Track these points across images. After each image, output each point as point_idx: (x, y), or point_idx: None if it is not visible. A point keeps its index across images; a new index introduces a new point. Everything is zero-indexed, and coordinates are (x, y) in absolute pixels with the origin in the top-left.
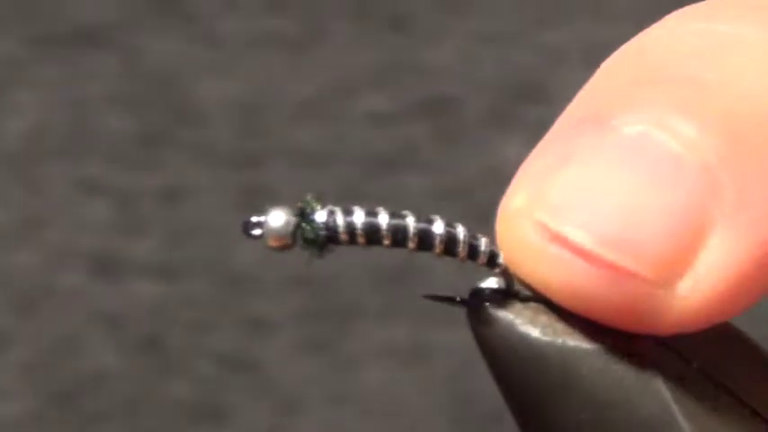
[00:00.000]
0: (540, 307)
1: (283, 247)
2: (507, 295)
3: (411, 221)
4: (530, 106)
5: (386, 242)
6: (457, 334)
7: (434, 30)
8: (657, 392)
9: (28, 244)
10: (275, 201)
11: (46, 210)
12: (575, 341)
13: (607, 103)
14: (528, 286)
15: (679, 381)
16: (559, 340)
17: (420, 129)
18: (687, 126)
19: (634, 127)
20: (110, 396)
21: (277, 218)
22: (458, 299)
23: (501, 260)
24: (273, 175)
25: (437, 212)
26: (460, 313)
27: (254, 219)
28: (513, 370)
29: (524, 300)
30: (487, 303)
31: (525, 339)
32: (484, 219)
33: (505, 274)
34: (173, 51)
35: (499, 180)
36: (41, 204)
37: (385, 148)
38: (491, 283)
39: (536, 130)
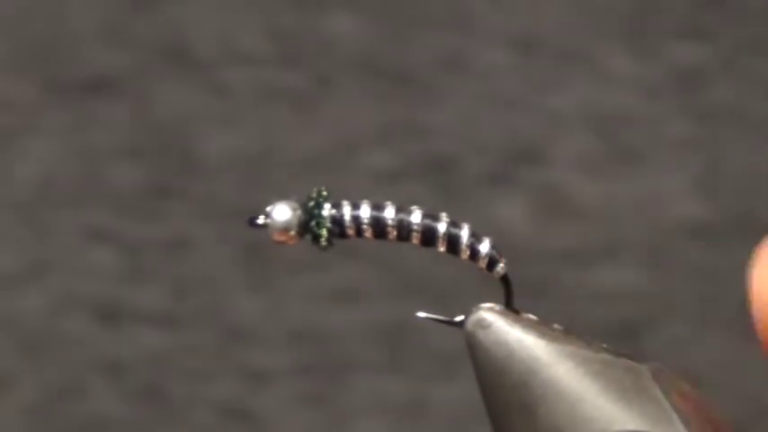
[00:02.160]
0: (537, 319)
1: (289, 241)
2: (506, 307)
3: (417, 217)
4: (529, 168)
5: (391, 236)
6: (453, 390)
7: (438, 89)
8: (655, 398)
9: (34, 289)
10: (277, 256)
11: (53, 256)
12: (573, 346)
13: None
14: None
15: (673, 392)
16: (557, 344)
17: (421, 187)
18: None
19: None
20: None
21: (282, 211)
22: (455, 319)
23: (501, 267)
24: None
25: (433, 276)
26: (457, 369)
27: (261, 215)
28: (509, 373)
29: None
30: (487, 308)
31: (522, 342)
32: (482, 279)
33: (505, 280)
34: (182, 102)
35: (496, 239)
36: (48, 250)
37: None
38: (488, 307)
39: (535, 192)
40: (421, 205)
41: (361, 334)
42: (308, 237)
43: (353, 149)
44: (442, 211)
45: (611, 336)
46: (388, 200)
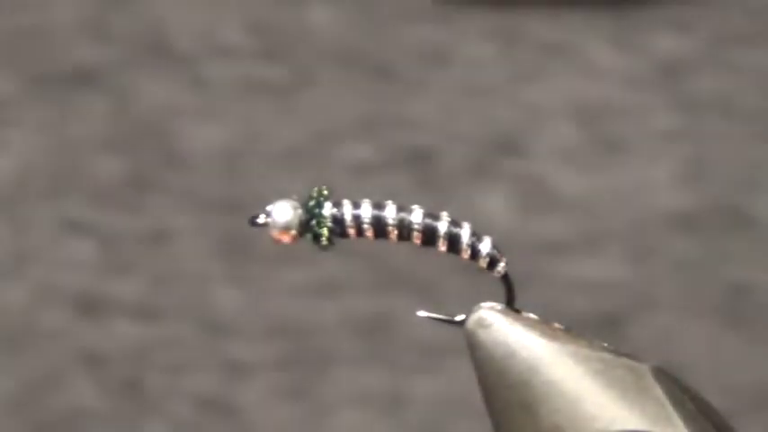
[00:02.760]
0: (537, 318)
1: (290, 240)
2: (507, 306)
3: (417, 217)
4: (509, 160)
5: (392, 236)
6: (435, 383)
7: (418, 81)
8: (656, 397)
9: (12, 281)
10: (256, 248)
11: (32, 248)
12: (574, 345)
13: None
14: None
15: (672, 393)
16: (558, 343)
17: (401, 179)
18: None
19: None
20: None
21: (283, 211)
22: (455, 318)
23: (502, 266)
24: None
25: (416, 265)
26: (439, 362)
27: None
28: (510, 372)
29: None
30: (488, 307)
31: (523, 341)
32: (462, 270)
33: (505, 279)
34: (161, 95)
35: (478, 231)
36: (27, 242)
37: (366, 196)
38: (489, 306)
39: (515, 184)
40: (402, 197)
41: (341, 326)
42: (309, 236)
43: (334, 142)
44: (424, 202)
45: (595, 327)
46: (368, 192)
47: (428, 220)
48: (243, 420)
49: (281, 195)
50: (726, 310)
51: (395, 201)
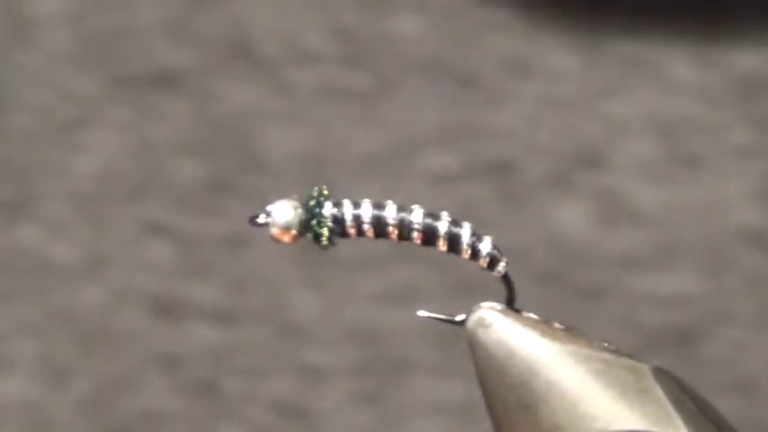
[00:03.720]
0: (538, 318)
1: (290, 240)
2: (507, 306)
3: (418, 216)
4: (589, 173)
5: (392, 236)
6: None
7: (500, 92)
8: (657, 397)
9: (92, 282)
10: (334, 253)
11: (111, 250)
12: (575, 345)
13: None
14: None
15: (673, 393)
16: (559, 343)
17: (481, 190)
18: None
19: None
20: None
21: (284, 210)
22: (456, 318)
23: (502, 266)
24: None
25: (490, 277)
26: None
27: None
28: (510, 372)
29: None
30: (488, 307)
31: (523, 341)
32: (540, 280)
33: (506, 279)
34: (243, 99)
35: (556, 244)
36: (107, 244)
37: (446, 206)
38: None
39: (594, 197)
40: (481, 208)
41: (416, 334)
42: (309, 236)
43: (414, 150)
44: (503, 214)
45: (668, 341)
46: (449, 203)
47: (428, 220)
48: (317, 426)
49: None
50: None
51: (475, 212)
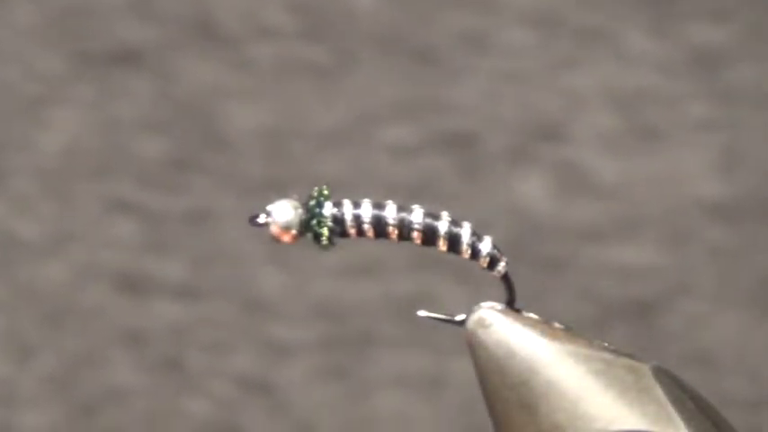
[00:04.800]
0: (538, 318)
1: (290, 240)
2: (507, 306)
3: (418, 216)
4: (549, 145)
5: (392, 236)
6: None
7: (459, 66)
8: (656, 397)
9: (56, 259)
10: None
11: (75, 226)
12: (575, 345)
13: None
14: None
15: (672, 392)
16: (559, 342)
17: (441, 162)
18: None
19: None
20: (128, 412)
21: (284, 210)
22: (456, 318)
23: (502, 266)
24: None
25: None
26: None
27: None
28: (510, 372)
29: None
30: (488, 307)
31: (523, 341)
32: (501, 252)
33: (506, 279)
34: (205, 75)
35: (516, 216)
36: (71, 221)
37: (406, 179)
38: (489, 306)
39: (554, 170)
40: (441, 181)
41: (381, 308)
42: (309, 235)
43: (375, 124)
44: (463, 186)
45: (629, 313)
46: (409, 176)
47: (428, 220)
48: (283, 400)
49: (320, 177)
50: (759, 300)
51: (435, 185)
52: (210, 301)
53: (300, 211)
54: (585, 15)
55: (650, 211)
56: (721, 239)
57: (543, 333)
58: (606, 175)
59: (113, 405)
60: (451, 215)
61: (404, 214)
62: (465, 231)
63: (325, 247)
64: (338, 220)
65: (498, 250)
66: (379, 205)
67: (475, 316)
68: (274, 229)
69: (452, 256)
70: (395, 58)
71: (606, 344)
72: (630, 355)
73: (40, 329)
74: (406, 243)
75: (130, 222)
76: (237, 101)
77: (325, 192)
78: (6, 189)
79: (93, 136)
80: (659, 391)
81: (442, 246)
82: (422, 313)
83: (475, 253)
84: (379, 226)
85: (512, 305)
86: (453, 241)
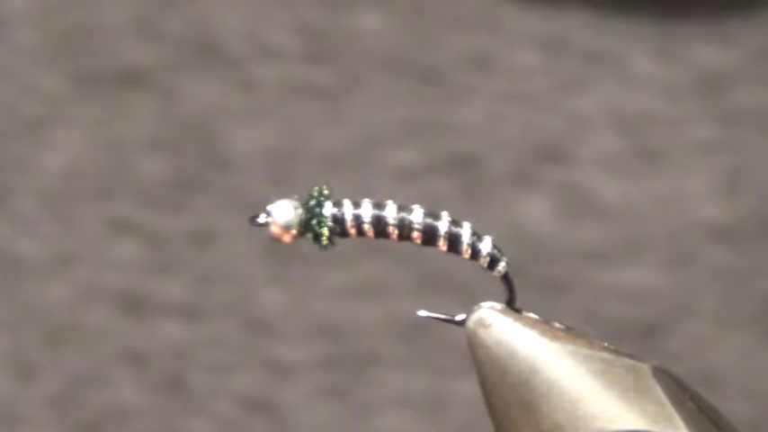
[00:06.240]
0: (538, 318)
1: (290, 239)
2: (507, 306)
3: (418, 216)
4: (553, 167)
5: (392, 235)
6: (474, 385)
7: (463, 87)
8: (657, 397)
9: (59, 279)
10: (300, 249)
11: (77, 247)
12: (575, 345)
13: None
14: None
15: (672, 392)
16: (559, 342)
17: (445, 185)
18: None
19: None
20: None
21: (284, 210)
22: (456, 318)
23: (502, 266)
24: None
25: (455, 273)
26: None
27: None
28: (511, 372)
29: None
30: (488, 307)
31: (524, 341)
32: (501, 252)
33: (506, 279)
34: (209, 96)
35: (520, 238)
36: (74, 241)
37: (410, 201)
38: (489, 306)
39: (558, 192)
40: (445, 203)
41: (383, 328)
42: (309, 235)
43: (379, 146)
44: (467, 208)
45: (632, 334)
46: (413, 198)
47: (428, 220)
48: (285, 420)
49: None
50: (762, 322)
51: (439, 207)
52: (213, 321)
53: (300, 210)
54: (590, 38)
55: (654, 232)
56: (724, 261)
57: (543, 333)
58: (610, 197)
59: (116, 425)
60: (451, 215)
61: (404, 214)
62: (465, 231)
63: (325, 247)
64: (338, 220)
65: (498, 250)
66: (379, 205)
67: (475, 316)
68: (274, 229)
69: (454, 278)
70: (399, 80)
71: (606, 344)
72: (631, 355)
73: (43, 349)
74: (408, 263)
75: (133, 242)
76: (241, 122)
77: (326, 191)
78: (9, 209)
79: (96, 156)
80: (659, 391)
81: (443, 246)
82: (422, 313)
83: (475, 253)
84: (380, 226)
85: (512, 305)
86: (453, 241)
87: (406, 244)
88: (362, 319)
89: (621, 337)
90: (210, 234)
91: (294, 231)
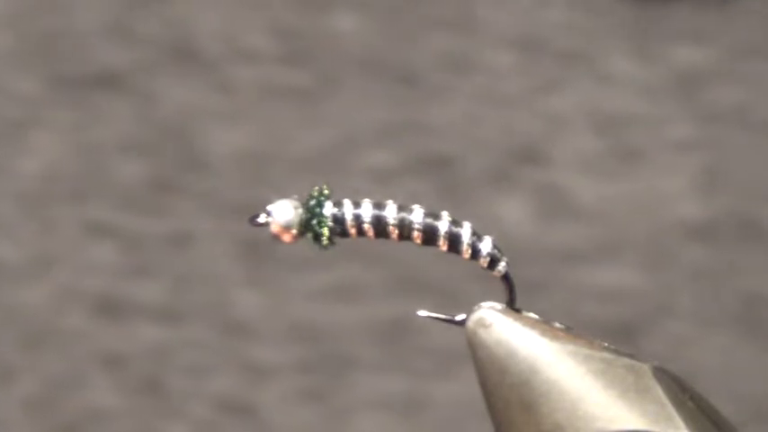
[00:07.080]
0: (538, 318)
1: (290, 239)
2: (507, 306)
3: (418, 216)
4: (530, 168)
5: (393, 235)
6: (453, 387)
7: (440, 88)
8: (657, 397)
9: (36, 282)
10: (277, 252)
11: (54, 249)
12: (575, 345)
13: None
14: None
15: (673, 392)
16: (559, 342)
17: (422, 186)
18: None
19: None
20: None
21: (284, 210)
22: (456, 318)
23: (502, 266)
24: None
25: (433, 274)
26: (457, 366)
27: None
28: (510, 372)
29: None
30: (488, 307)
31: (524, 341)
32: (482, 276)
33: (506, 279)
34: (185, 98)
35: (497, 238)
36: (50, 244)
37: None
38: (489, 306)
39: (535, 192)
40: (422, 204)
41: (361, 331)
42: (309, 235)
43: (356, 147)
44: (444, 209)
45: (611, 334)
46: (389, 198)
47: (428, 220)
48: (262, 423)
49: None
50: (741, 320)
51: (410, 205)
52: (190, 324)
53: (300, 210)
54: (566, 38)
55: (631, 232)
56: (703, 260)
57: (544, 333)
58: (587, 197)
59: (93, 427)
60: (451, 215)
61: (404, 214)
62: (465, 231)
63: (325, 247)
64: (338, 220)
65: (498, 250)
66: (379, 205)
67: (475, 316)
68: (274, 229)
69: (432, 280)
70: (375, 81)
71: (606, 344)
72: (631, 355)
73: (20, 352)
74: (385, 265)
75: (110, 245)
76: (218, 124)
77: (326, 191)
78: None
79: (72, 159)
80: (659, 391)
81: (443, 245)
82: (422, 313)
83: (475, 253)
84: (380, 226)
85: (512, 305)
86: (453, 241)
87: (383, 245)
88: (340, 321)
89: (601, 337)
90: (187, 236)
91: (294, 231)
